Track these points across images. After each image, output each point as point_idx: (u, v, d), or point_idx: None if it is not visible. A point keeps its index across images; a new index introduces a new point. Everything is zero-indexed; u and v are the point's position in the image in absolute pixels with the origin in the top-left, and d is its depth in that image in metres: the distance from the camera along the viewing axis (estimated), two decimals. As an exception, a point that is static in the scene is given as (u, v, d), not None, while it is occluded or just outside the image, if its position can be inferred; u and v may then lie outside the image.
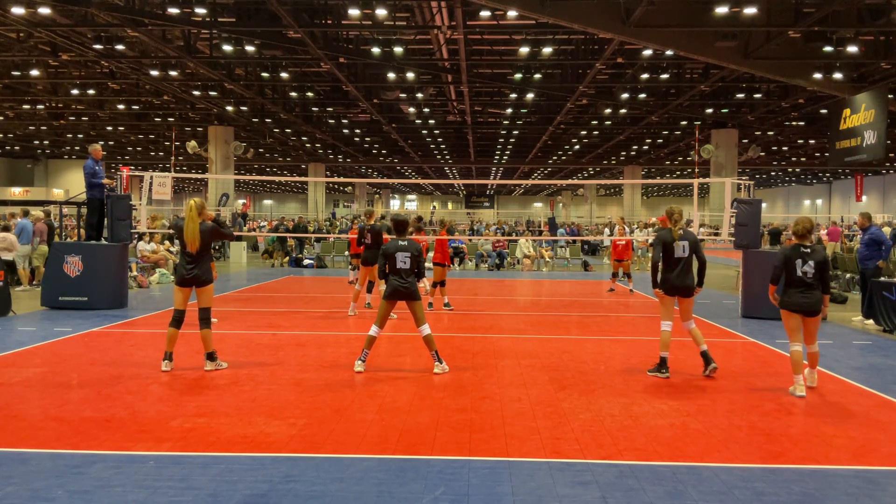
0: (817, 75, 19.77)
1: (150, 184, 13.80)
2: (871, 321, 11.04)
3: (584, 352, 8.63)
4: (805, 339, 6.73)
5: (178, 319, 7.26)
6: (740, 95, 26.96)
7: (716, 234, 22.82)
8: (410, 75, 22.71)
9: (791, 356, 6.68)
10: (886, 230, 24.77)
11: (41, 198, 40.47)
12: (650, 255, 23.20)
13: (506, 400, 6.24)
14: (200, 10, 17.63)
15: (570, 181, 65.92)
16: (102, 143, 40.99)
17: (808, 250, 6.61)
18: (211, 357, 7.29)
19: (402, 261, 7.20)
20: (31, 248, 14.88)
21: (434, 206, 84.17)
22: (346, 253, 23.03)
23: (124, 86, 27.89)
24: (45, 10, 17.40)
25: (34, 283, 14.58)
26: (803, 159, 48.10)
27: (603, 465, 4.64)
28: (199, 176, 43.69)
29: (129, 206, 12.33)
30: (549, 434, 5.27)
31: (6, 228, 15.03)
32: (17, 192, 45.25)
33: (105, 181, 12.03)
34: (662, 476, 4.47)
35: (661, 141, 39.77)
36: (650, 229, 28.81)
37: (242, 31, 19.17)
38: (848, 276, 16.50)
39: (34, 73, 24.47)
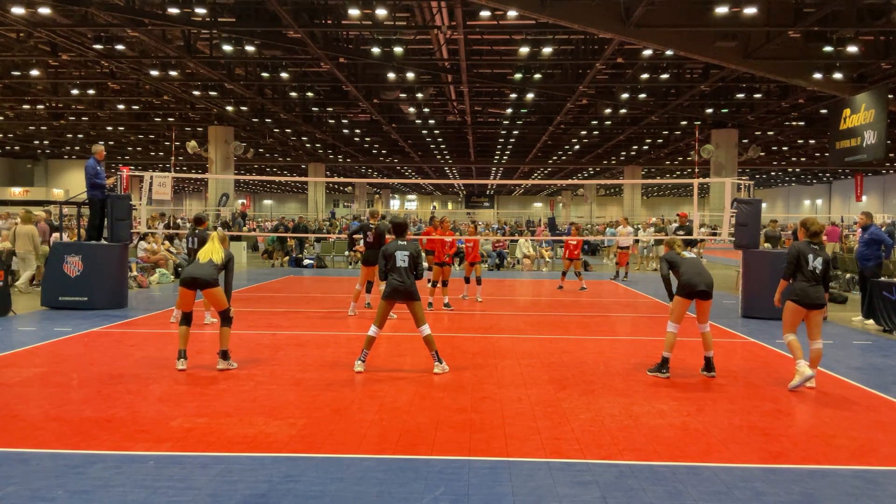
0: (817, 75, 19.76)
1: (150, 184, 13.80)
2: (871, 321, 11.04)
3: (584, 352, 8.63)
4: (810, 333, 6.88)
5: (186, 318, 7.29)
6: (740, 95, 26.94)
7: (714, 234, 22.81)
8: (410, 75, 22.70)
9: (789, 345, 6.84)
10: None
11: (41, 198, 40.45)
12: (655, 257, 23.15)
13: (506, 400, 6.24)
14: (200, 10, 17.62)
15: (570, 181, 65.89)
16: (102, 143, 40.99)
17: (817, 247, 6.89)
18: (224, 356, 7.28)
19: (402, 259, 7.21)
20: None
21: (434, 206, 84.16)
22: (347, 253, 23.04)
23: (124, 86, 27.88)
24: (45, 10, 17.38)
25: (34, 283, 14.58)
26: (803, 159, 48.08)
27: (603, 465, 4.64)
28: (199, 176, 43.70)
29: (129, 206, 12.33)
30: (549, 434, 5.28)
31: (56, 229, 15.31)
32: (17, 192, 45.24)
33: (108, 181, 12.04)
34: (662, 476, 4.47)
35: (661, 141, 39.75)
36: (652, 229, 28.80)
37: (242, 31, 19.16)
38: (848, 276, 16.49)
39: (34, 73, 24.46)
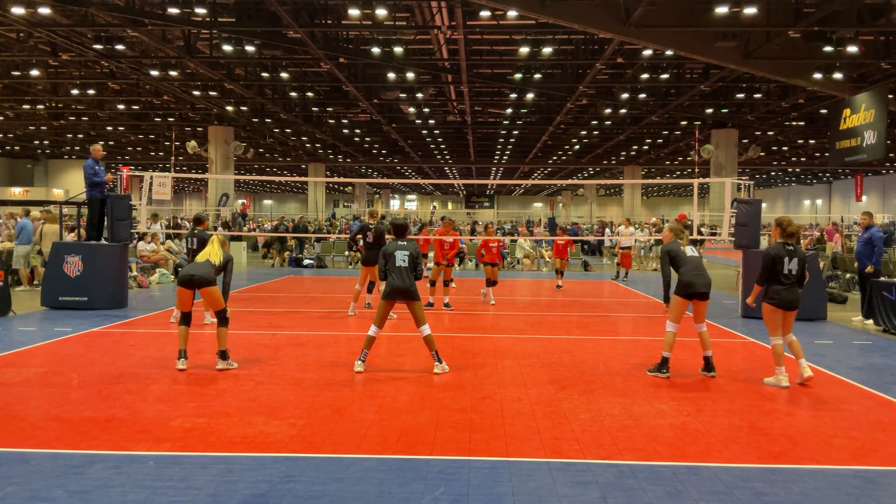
0: (817, 75, 19.77)
1: (150, 184, 13.80)
2: (870, 321, 11.03)
3: (584, 352, 8.63)
4: (784, 330, 7.03)
5: (186, 318, 7.30)
6: (740, 95, 26.96)
7: (714, 234, 22.81)
8: (410, 75, 22.71)
9: (774, 349, 6.97)
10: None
11: (41, 198, 40.44)
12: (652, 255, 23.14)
13: (506, 400, 6.24)
14: (200, 10, 17.63)
15: (570, 181, 65.91)
16: (102, 143, 40.96)
17: (792, 248, 6.98)
18: (223, 355, 7.28)
19: (402, 259, 7.21)
20: (30, 248, 14.88)
21: (434, 206, 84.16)
22: (347, 253, 23.03)
23: (124, 86, 27.89)
24: (45, 10, 17.39)
25: (34, 283, 14.59)
26: (803, 159, 48.10)
27: (603, 465, 4.64)
28: (199, 176, 43.69)
29: (129, 206, 12.33)
30: (549, 434, 5.27)
31: (72, 229, 15.43)
32: (17, 192, 45.23)
33: (107, 178, 12.04)
34: (662, 476, 4.47)
35: (661, 141, 39.76)
36: (652, 228, 28.78)
37: (242, 31, 19.17)
38: (848, 276, 16.50)
39: (34, 73, 24.47)
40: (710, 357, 7.31)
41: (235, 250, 24.04)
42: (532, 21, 18.10)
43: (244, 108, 30.32)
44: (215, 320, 7.60)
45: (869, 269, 11.22)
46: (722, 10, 15.30)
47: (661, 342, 7.35)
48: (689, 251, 7.31)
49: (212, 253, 7.37)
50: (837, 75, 20.07)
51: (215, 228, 24.48)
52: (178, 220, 30.21)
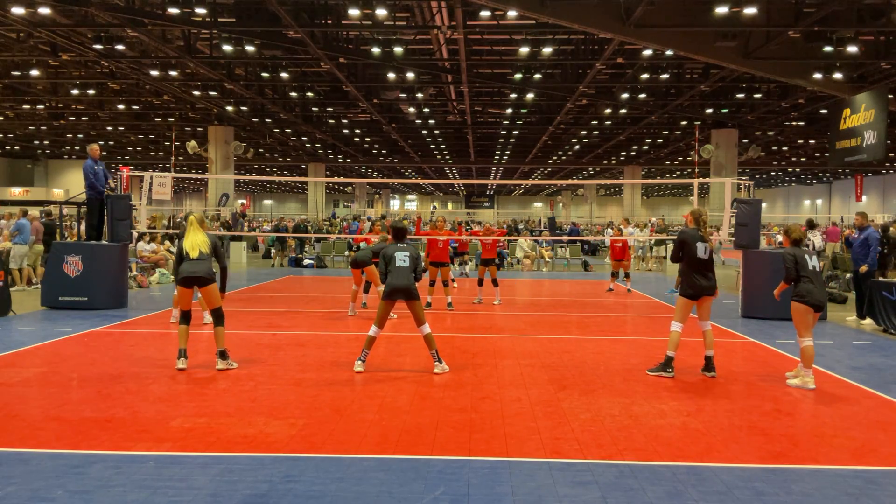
0: (817, 75, 19.76)
1: (150, 184, 13.80)
2: (868, 321, 11.03)
3: (584, 352, 8.63)
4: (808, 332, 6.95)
5: (186, 317, 7.28)
6: (740, 95, 26.94)
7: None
8: (410, 75, 22.70)
9: (804, 351, 6.88)
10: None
11: (41, 198, 40.41)
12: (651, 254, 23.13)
13: (506, 400, 6.24)
14: (200, 10, 17.62)
15: (570, 181, 65.87)
16: (102, 143, 41.07)
17: (807, 247, 6.96)
18: (223, 355, 7.27)
19: (402, 260, 7.22)
20: (28, 247, 14.88)
21: (434, 206, 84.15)
22: (346, 253, 23.03)
23: (124, 86, 27.88)
24: (45, 10, 17.39)
25: (34, 283, 14.59)
26: (803, 159, 48.08)
27: (603, 465, 4.64)
28: (199, 176, 43.65)
29: (129, 206, 12.33)
30: (549, 434, 5.27)
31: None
32: (17, 192, 45.21)
33: (107, 192, 12.06)
34: (662, 476, 4.47)
35: (661, 141, 39.75)
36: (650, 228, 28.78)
37: (242, 31, 19.16)
38: (848, 276, 16.50)
39: (34, 73, 24.47)
40: (711, 357, 7.30)
41: (235, 250, 24.03)
42: (532, 21, 18.09)
43: (244, 108, 30.31)
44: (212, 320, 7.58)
45: (863, 268, 11.20)
46: (722, 10, 15.29)
47: (660, 342, 7.36)
48: (702, 251, 7.13)
49: (200, 242, 7.24)
50: (837, 75, 20.06)
51: (222, 222, 24.43)
52: (179, 220, 30.19)
